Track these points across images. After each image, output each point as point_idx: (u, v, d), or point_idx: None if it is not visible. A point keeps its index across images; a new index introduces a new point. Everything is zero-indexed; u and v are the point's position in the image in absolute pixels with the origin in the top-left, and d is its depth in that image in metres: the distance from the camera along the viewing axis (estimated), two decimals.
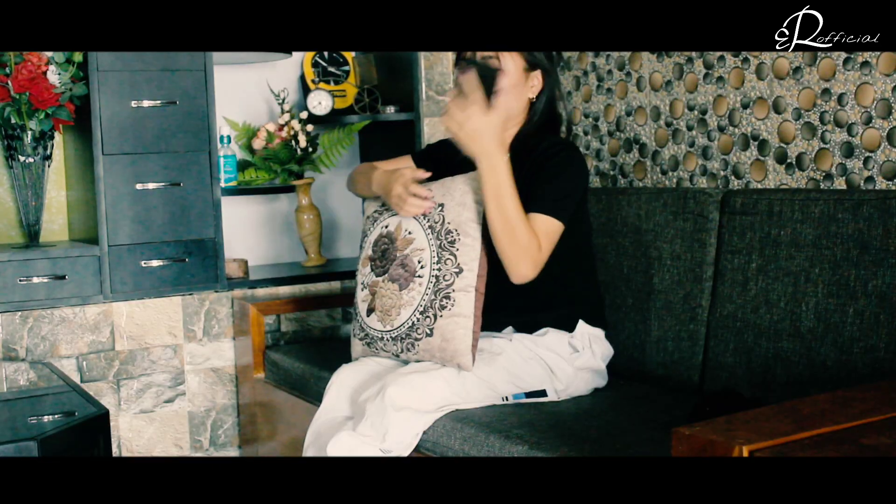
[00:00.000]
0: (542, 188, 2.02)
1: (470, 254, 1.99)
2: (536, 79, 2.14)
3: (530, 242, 1.94)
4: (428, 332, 1.99)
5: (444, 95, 1.93)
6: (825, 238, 1.95)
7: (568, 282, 2.14)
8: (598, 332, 2.17)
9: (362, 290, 2.15)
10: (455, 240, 2.00)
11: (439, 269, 2.00)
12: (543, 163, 2.07)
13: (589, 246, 2.23)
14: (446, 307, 1.98)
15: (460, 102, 1.93)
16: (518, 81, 2.11)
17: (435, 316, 1.99)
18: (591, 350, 2.12)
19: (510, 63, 2.09)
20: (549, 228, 1.99)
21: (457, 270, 1.99)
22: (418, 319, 2.01)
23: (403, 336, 2.04)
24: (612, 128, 2.79)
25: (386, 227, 2.13)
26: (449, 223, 2.01)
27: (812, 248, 1.97)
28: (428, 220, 2.04)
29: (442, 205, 2.03)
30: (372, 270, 2.12)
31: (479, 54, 2.10)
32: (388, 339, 2.07)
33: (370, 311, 2.11)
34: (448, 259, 2.00)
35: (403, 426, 1.93)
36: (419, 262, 2.02)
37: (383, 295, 2.07)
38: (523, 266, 1.95)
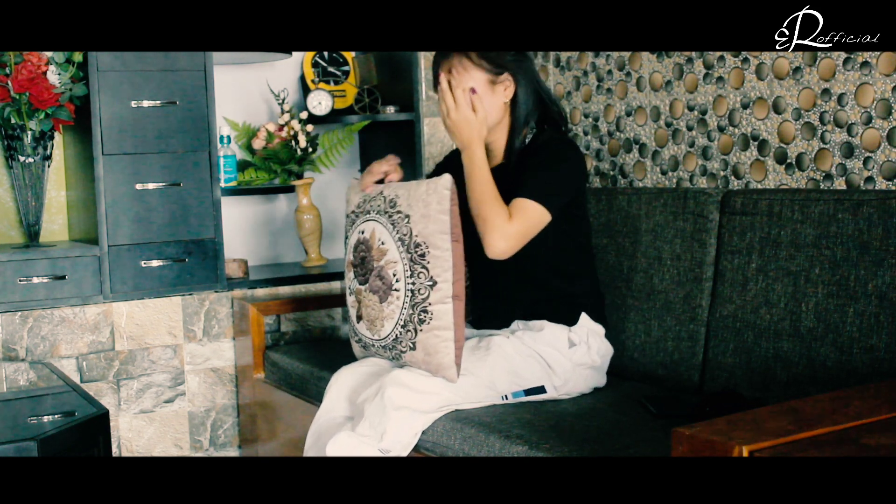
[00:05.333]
0: (529, 177, 2.08)
1: (442, 265, 1.97)
2: (506, 83, 2.15)
3: (498, 215, 2.01)
4: (411, 345, 2.00)
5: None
6: (825, 238, 1.95)
7: (571, 278, 2.17)
8: (598, 329, 2.18)
9: (350, 294, 2.17)
10: (425, 253, 1.98)
11: (413, 284, 1.99)
12: (538, 152, 2.12)
13: (589, 244, 2.24)
14: (425, 321, 1.97)
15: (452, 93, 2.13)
16: (484, 94, 2.13)
17: (415, 330, 1.99)
18: (588, 344, 2.13)
19: (472, 80, 2.12)
20: (526, 207, 2.04)
21: (430, 283, 1.98)
22: (401, 333, 2.02)
23: (390, 346, 2.06)
24: (612, 128, 2.79)
25: (362, 232, 2.12)
26: (416, 236, 2.00)
27: (812, 248, 1.97)
28: (397, 232, 2.03)
29: (409, 216, 2.02)
30: (355, 277, 2.13)
31: (444, 75, 2.13)
32: (378, 347, 2.10)
33: (359, 318, 2.13)
34: (420, 272, 1.99)
35: (402, 425, 1.93)
36: (394, 276, 2.02)
37: (367, 305, 2.09)
38: (494, 238, 2.01)
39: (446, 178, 2.00)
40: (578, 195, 2.17)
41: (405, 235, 2.01)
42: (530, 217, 2.03)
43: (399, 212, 2.04)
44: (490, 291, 2.21)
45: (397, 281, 2.01)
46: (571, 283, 2.17)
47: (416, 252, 1.99)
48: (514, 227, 2.02)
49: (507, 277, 2.16)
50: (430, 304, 1.97)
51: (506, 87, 2.15)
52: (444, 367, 1.97)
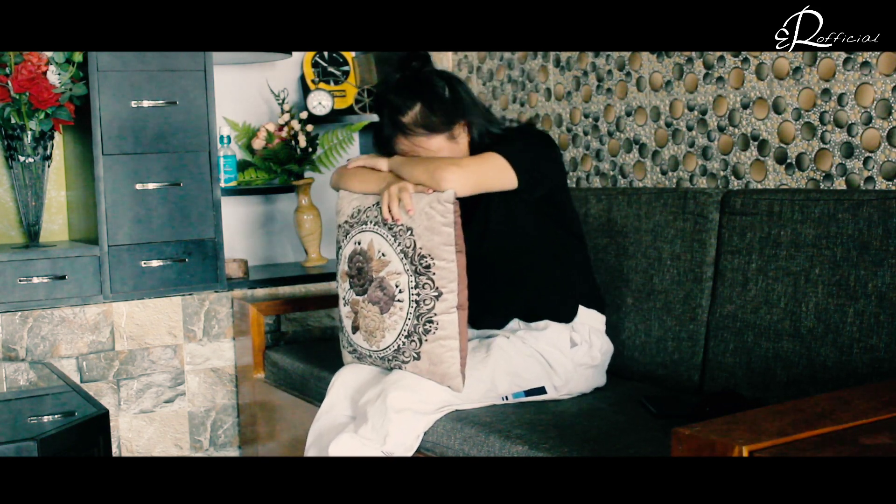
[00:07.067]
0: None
1: (447, 276, 1.96)
2: (461, 126, 2.14)
3: (450, 160, 2.04)
4: (415, 355, 1.99)
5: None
6: (825, 238, 1.95)
7: (564, 269, 2.17)
8: (598, 325, 2.18)
9: (344, 305, 2.14)
10: (430, 264, 1.97)
11: (418, 294, 1.97)
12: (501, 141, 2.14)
13: (580, 233, 2.23)
14: (430, 331, 1.96)
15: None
16: (452, 149, 2.13)
17: (420, 340, 1.97)
18: (590, 342, 2.13)
19: (433, 147, 2.12)
20: (486, 154, 2.04)
21: (436, 294, 1.96)
22: (403, 343, 2.00)
23: (391, 357, 2.04)
24: (612, 128, 2.79)
25: (358, 243, 2.09)
26: (421, 248, 1.98)
27: (812, 248, 1.97)
28: (399, 244, 2.01)
29: (410, 229, 2.00)
30: (351, 287, 2.10)
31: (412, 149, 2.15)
32: (376, 358, 2.08)
33: (355, 328, 2.10)
34: (426, 283, 1.97)
35: (404, 428, 1.93)
36: (397, 287, 2.00)
37: (366, 316, 2.06)
38: (448, 169, 1.99)
39: (449, 193, 1.99)
40: (558, 179, 2.15)
41: (408, 248, 1.99)
42: (489, 160, 2.03)
43: (400, 224, 2.02)
44: (484, 288, 2.21)
45: (400, 292, 1.99)
46: (563, 275, 2.16)
47: (420, 264, 1.97)
48: (468, 161, 2.03)
49: (500, 274, 2.15)
50: (435, 314, 1.96)
51: (463, 127, 2.14)
52: (450, 376, 1.97)
